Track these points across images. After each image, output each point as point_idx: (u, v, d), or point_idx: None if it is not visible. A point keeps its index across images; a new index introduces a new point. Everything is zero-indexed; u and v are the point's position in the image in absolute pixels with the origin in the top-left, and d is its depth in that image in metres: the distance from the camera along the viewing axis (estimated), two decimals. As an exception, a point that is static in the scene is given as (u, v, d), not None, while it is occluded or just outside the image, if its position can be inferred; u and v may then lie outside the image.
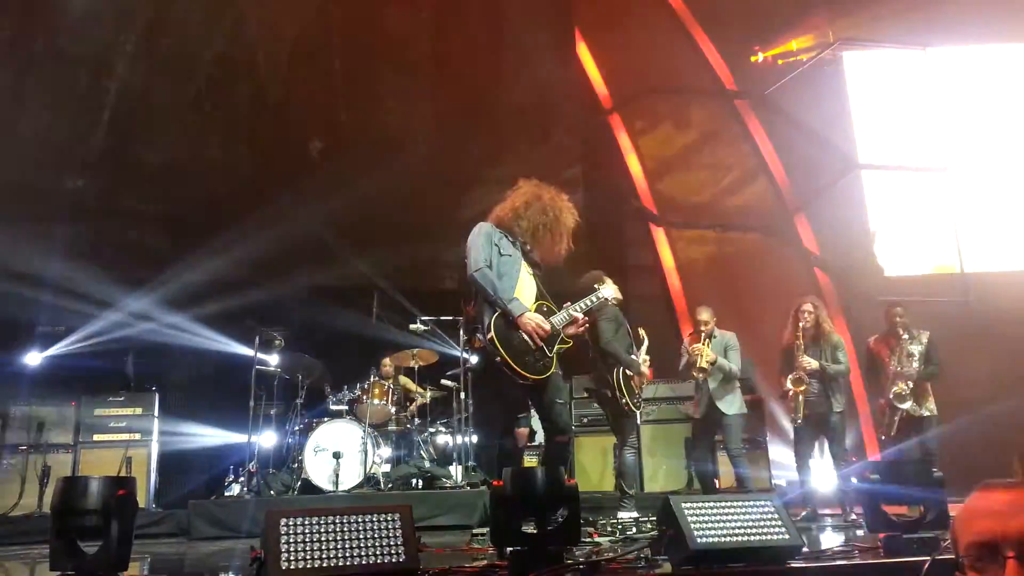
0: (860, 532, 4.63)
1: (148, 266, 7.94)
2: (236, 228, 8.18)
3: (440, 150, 9.08)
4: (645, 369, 5.88)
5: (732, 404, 6.06)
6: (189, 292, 7.72)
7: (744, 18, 10.09)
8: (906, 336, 6.20)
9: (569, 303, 4.30)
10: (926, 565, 2.39)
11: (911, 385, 6.10)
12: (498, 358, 3.86)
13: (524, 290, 4.14)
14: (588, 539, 4.08)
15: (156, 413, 6.86)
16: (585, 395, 7.22)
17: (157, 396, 6.95)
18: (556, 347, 4.09)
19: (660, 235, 10.36)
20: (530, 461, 7.27)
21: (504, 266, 4.09)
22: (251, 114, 8.58)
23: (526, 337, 3.94)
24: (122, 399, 6.83)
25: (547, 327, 4.01)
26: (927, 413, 6.13)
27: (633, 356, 5.75)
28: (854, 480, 3.38)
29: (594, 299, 4.50)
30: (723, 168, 10.32)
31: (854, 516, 5.46)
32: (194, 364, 7.56)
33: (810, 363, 5.90)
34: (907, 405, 6.07)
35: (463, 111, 9.18)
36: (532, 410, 4.91)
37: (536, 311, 4.07)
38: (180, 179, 8.23)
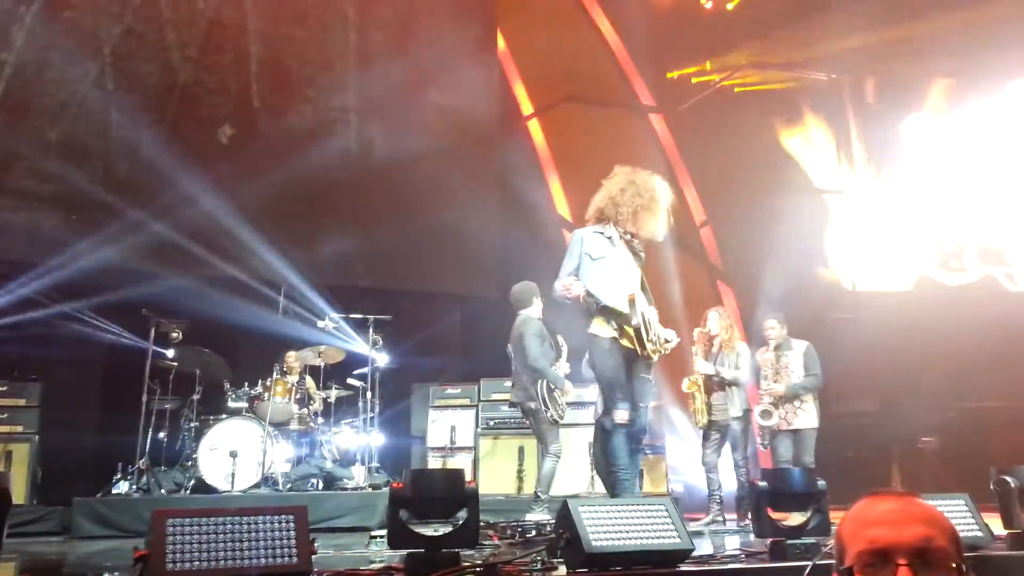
0: (750, 537, 4.80)
1: (38, 248, 7.49)
2: (136, 212, 7.82)
3: (357, 144, 8.94)
4: (570, 387, 5.94)
5: None
6: (82, 278, 7.32)
7: (663, 35, 10.37)
8: (773, 346, 6.26)
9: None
10: (807, 569, 2.51)
11: (779, 399, 6.09)
12: (635, 321, 4.08)
13: (628, 283, 4.35)
14: (488, 541, 4.08)
15: (39, 404, 6.50)
16: (492, 398, 7.26)
17: (41, 386, 6.58)
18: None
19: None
20: (432, 462, 7.23)
21: (597, 269, 4.34)
22: (158, 95, 8.21)
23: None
24: (3, 388, 6.45)
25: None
26: (802, 426, 6.08)
27: (555, 367, 5.82)
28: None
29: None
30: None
31: (746, 522, 5.65)
32: (84, 354, 7.18)
33: (704, 369, 6.07)
34: (772, 422, 6.05)
35: (381, 107, 9.07)
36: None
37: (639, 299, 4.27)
38: (78, 158, 7.80)
